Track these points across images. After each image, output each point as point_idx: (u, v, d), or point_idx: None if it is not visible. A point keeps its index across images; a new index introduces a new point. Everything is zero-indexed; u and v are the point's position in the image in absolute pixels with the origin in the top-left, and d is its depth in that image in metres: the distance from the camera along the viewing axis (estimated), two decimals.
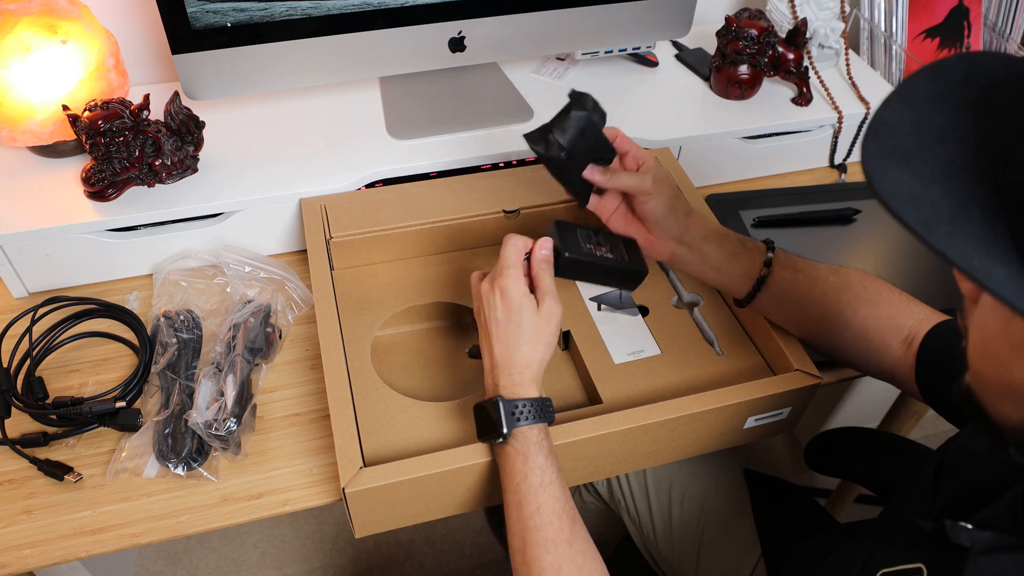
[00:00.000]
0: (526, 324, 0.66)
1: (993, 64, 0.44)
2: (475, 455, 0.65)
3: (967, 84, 0.43)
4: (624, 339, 0.81)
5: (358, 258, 0.86)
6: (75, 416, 0.72)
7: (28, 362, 0.77)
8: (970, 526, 0.50)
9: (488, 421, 0.64)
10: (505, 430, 0.62)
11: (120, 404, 0.73)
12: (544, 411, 0.64)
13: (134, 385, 0.76)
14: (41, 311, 0.80)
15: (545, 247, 0.70)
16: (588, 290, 0.85)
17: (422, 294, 0.84)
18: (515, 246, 0.69)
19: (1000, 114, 0.41)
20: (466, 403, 0.74)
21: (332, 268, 0.85)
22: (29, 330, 0.78)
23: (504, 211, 0.86)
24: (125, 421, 0.73)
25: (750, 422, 0.74)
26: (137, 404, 0.76)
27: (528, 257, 0.70)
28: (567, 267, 0.72)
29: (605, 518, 1.15)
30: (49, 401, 0.76)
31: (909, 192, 0.39)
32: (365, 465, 0.64)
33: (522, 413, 0.63)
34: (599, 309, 0.84)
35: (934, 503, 0.60)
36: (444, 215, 0.86)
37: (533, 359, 0.65)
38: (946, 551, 0.51)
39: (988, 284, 0.36)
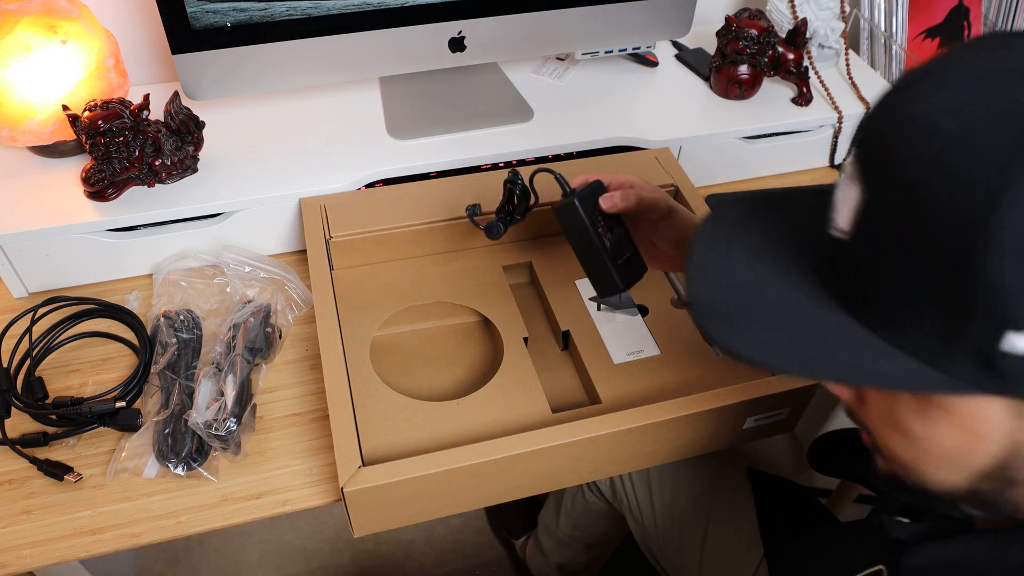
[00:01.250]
0: None
1: (742, 208, 0.49)
2: (474, 455, 0.65)
3: (736, 233, 0.48)
4: (623, 339, 0.81)
5: (358, 258, 0.86)
6: (75, 416, 0.72)
7: (28, 362, 0.77)
8: (907, 520, 0.51)
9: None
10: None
11: (120, 404, 0.73)
12: None
13: (134, 385, 0.76)
14: (41, 311, 0.80)
15: None
16: (587, 290, 0.85)
17: (422, 294, 0.84)
18: None
19: (777, 244, 0.46)
20: (465, 403, 0.74)
21: (332, 268, 0.85)
22: (29, 330, 0.78)
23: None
24: (125, 421, 0.73)
25: (749, 422, 0.74)
26: (137, 404, 0.76)
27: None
28: (566, 211, 0.69)
29: (608, 517, 1.15)
30: (49, 401, 0.76)
31: (773, 344, 0.42)
32: (364, 464, 0.64)
33: None
34: (599, 309, 0.84)
35: (892, 503, 0.61)
36: (443, 215, 0.86)
37: None
38: (898, 549, 0.52)
39: (888, 385, 0.40)
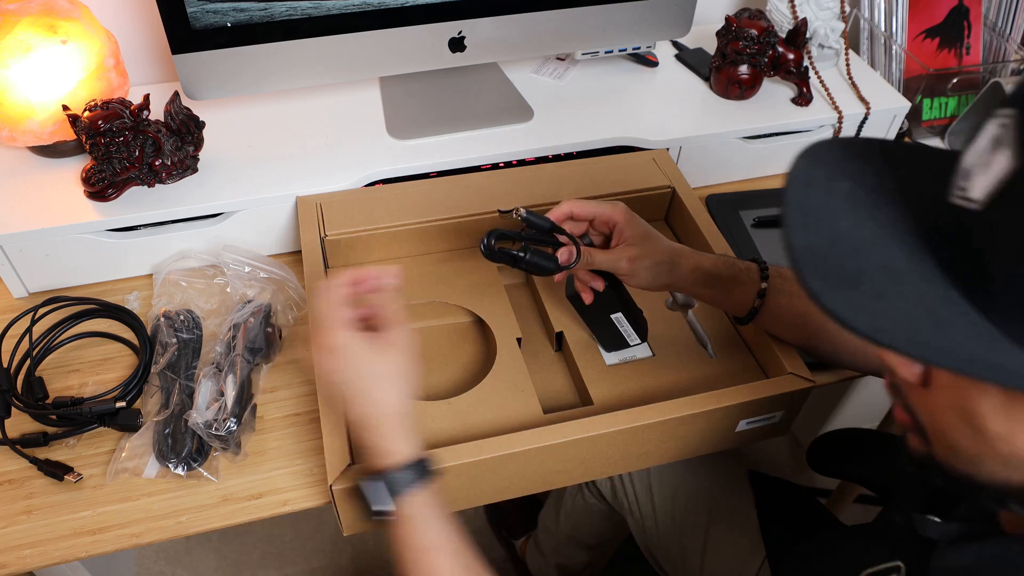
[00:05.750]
0: (370, 368, 0.58)
1: (840, 153, 0.44)
2: (463, 455, 0.65)
3: (835, 179, 0.42)
4: None
5: (353, 256, 0.86)
6: (75, 416, 0.72)
7: (28, 362, 0.77)
8: (938, 519, 0.49)
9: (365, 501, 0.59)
10: (389, 508, 0.57)
11: (120, 404, 0.73)
12: (423, 473, 0.58)
13: (134, 385, 0.76)
14: (41, 311, 0.80)
15: (389, 275, 0.62)
16: None
17: (416, 293, 0.84)
18: (323, 298, 0.60)
19: (888, 200, 0.41)
20: (457, 403, 0.74)
21: (327, 266, 0.85)
22: (29, 330, 0.78)
23: (499, 211, 0.86)
24: (125, 421, 0.73)
25: (741, 425, 0.74)
26: (137, 404, 0.76)
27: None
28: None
29: (608, 518, 1.15)
30: (49, 401, 0.76)
31: (883, 315, 0.37)
32: (353, 463, 0.64)
33: (400, 483, 0.57)
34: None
35: (913, 499, 0.60)
36: (439, 214, 0.86)
37: (394, 404, 0.59)
38: (921, 546, 0.51)
39: (1005, 382, 0.36)
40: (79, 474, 0.70)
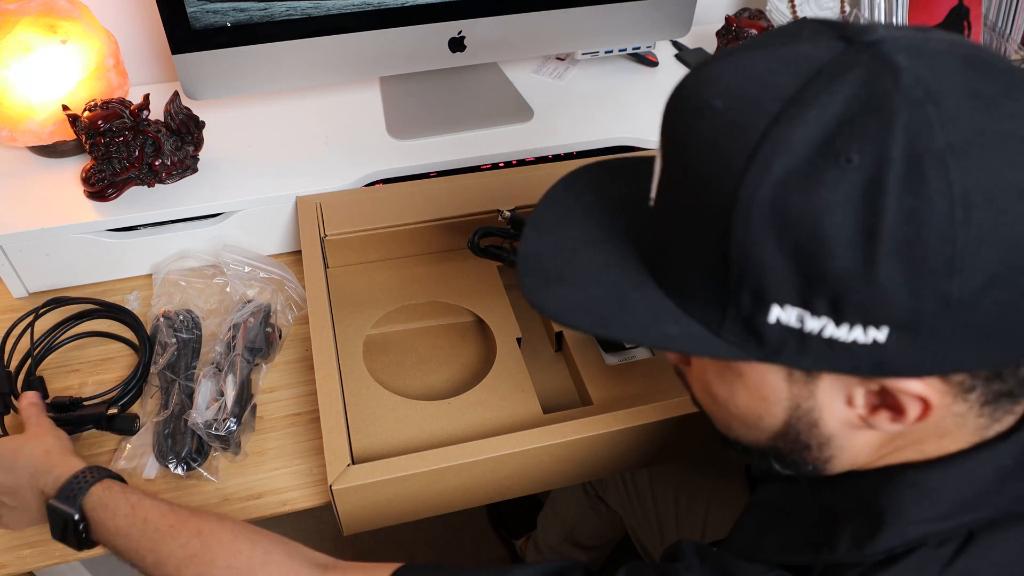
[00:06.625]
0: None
1: (594, 173, 0.52)
2: (463, 455, 0.65)
3: (582, 195, 0.50)
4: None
5: (353, 256, 0.86)
6: (74, 419, 0.72)
7: (28, 362, 0.77)
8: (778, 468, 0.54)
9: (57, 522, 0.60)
10: (76, 516, 0.58)
11: (112, 411, 0.72)
12: (98, 472, 0.61)
13: (133, 385, 0.76)
14: (41, 311, 0.80)
15: (29, 397, 0.69)
16: None
17: (416, 293, 0.84)
18: None
19: (614, 208, 0.49)
20: (457, 403, 0.74)
21: (327, 266, 0.85)
22: (30, 328, 0.78)
23: (499, 212, 0.86)
24: (122, 427, 0.72)
25: None
26: (137, 404, 0.76)
27: None
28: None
29: (607, 518, 1.15)
30: (48, 401, 0.76)
31: (573, 301, 0.44)
32: (353, 463, 0.64)
33: (79, 485, 0.59)
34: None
35: None
36: (440, 214, 0.86)
37: (41, 447, 0.63)
38: None
39: (670, 347, 0.42)
40: None
